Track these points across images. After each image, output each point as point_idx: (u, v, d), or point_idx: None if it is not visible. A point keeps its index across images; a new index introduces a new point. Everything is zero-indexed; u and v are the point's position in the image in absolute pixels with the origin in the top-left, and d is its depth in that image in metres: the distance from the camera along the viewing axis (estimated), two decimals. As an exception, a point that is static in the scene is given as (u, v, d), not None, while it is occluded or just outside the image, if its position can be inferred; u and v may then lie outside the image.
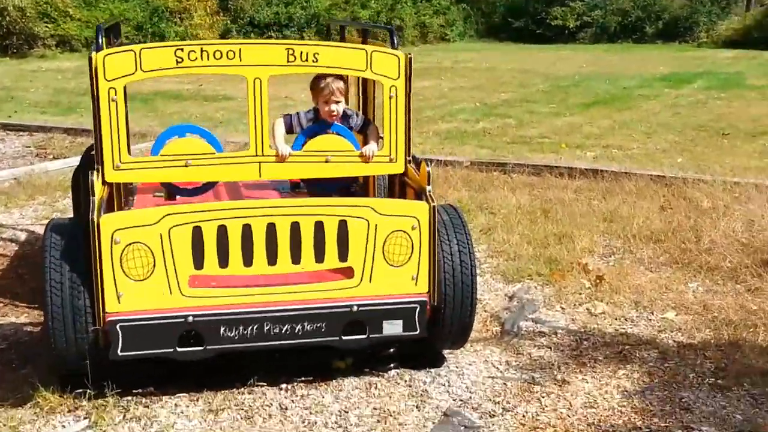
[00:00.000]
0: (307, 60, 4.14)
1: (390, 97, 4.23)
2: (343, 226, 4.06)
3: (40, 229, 6.97)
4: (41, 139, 11.55)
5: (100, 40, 4.13)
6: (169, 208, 3.97)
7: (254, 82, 4.06)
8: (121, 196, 4.60)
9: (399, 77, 4.23)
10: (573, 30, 35.91)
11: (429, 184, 4.20)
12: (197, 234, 3.92)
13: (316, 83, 4.70)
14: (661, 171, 8.73)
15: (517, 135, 11.71)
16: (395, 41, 4.36)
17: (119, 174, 4.05)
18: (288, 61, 4.12)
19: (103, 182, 4.03)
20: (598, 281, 5.66)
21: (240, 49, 4.04)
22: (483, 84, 18.51)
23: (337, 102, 4.72)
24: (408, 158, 4.38)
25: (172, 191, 4.76)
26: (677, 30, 35.91)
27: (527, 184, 8.56)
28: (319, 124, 4.68)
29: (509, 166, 9.08)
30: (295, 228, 4.02)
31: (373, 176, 5.29)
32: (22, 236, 7.00)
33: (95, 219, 3.79)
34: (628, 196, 7.88)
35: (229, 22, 31.40)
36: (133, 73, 3.98)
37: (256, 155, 4.15)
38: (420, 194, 4.23)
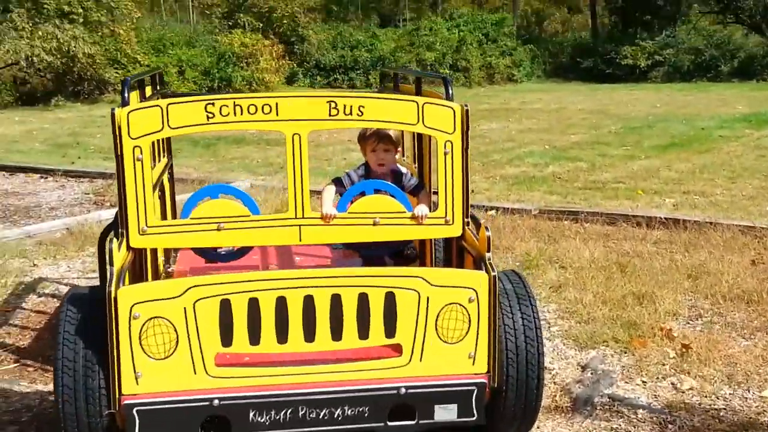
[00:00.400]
0: (351, 114, 3.70)
1: (445, 153, 3.76)
2: (390, 299, 3.58)
3: (85, 283, 6.67)
4: (101, 186, 11.35)
5: (126, 95, 3.79)
6: (193, 280, 3.54)
7: (293, 138, 3.65)
8: (157, 257, 4.20)
9: (455, 131, 3.76)
10: (644, 69, 35.05)
11: (489, 251, 3.68)
12: (226, 308, 3.48)
13: (363, 131, 4.37)
14: (749, 221, 8.02)
15: (589, 180, 11.09)
16: (450, 91, 3.91)
17: (145, 239, 3.67)
18: (330, 115, 3.69)
19: (128, 248, 3.69)
20: (684, 350, 5.02)
21: (277, 103, 3.63)
22: (552, 126, 17.91)
23: (387, 150, 4.30)
24: (466, 219, 3.88)
25: (206, 255, 4.34)
26: (754, 68, 34.74)
27: (601, 234, 7.94)
28: (366, 182, 4.24)
29: (581, 215, 8.48)
30: (335, 301, 3.55)
31: (430, 240, 4.81)
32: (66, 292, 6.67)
33: (113, 291, 3.38)
34: (715, 249, 7.20)
35: (295, 65, 31.53)
36: (160, 130, 3.63)
37: (296, 218, 3.71)
38: (479, 262, 3.70)
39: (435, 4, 51.03)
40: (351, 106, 3.68)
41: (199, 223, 3.72)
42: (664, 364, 4.90)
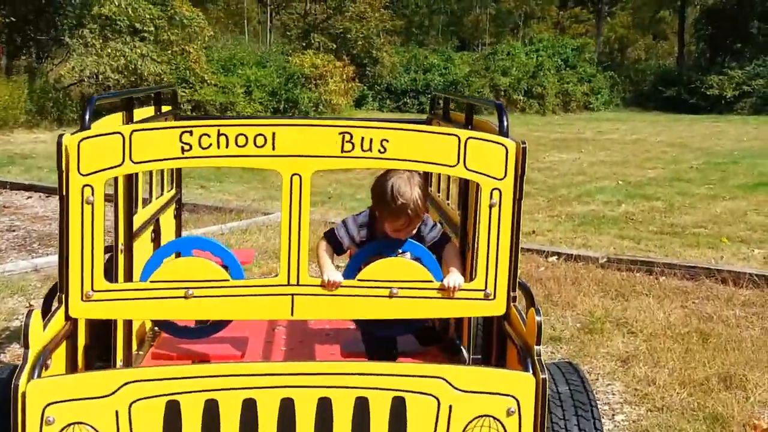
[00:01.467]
0: (370, 149, 2.81)
1: (491, 205, 2.84)
2: (398, 406, 2.66)
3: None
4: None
5: (86, 117, 2.95)
6: (130, 373, 2.66)
7: (291, 180, 2.78)
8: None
9: (505, 176, 2.85)
10: (730, 100, 33.30)
11: (539, 343, 2.71)
12: (173, 412, 2.58)
13: (390, 195, 3.25)
14: None
15: (666, 223, 9.93)
16: (505, 124, 2.98)
17: (89, 307, 2.87)
18: (343, 151, 2.81)
19: (67, 317, 2.88)
20: (784, 460, 3.93)
21: (273, 134, 2.77)
22: (628, 159, 16.70)
23: (409, 226, 3.34)
24: (512, 294, 2.92)
25: (170, 330, 3.47)
26: None
27: (679, 291, 6.82)
28: (381, 242, 3.31)
29: (656, 267, 7.36)
30: (323, 407, 2.63)
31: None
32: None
33: (21, 385, 2.53)
34: (816, 317, 6.04)
35: (365, 88, 30.84)
36: (120, 165, 2.80)
37: (288, 284, 2.82)
38: (524, 356, 2.73)
39: (516, 29, 50.01)
40: (371, 140, 2.80)
41: (162, 288, 2.87)
42: (758, 480, 3.82)
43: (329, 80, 27.52)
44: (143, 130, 2.77)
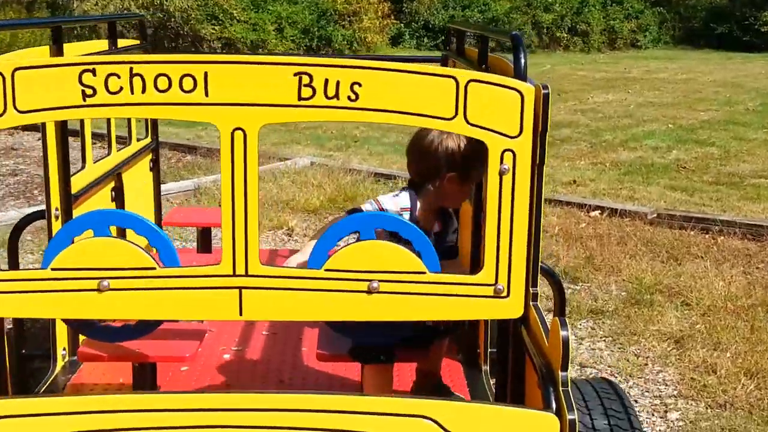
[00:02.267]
0: (336, 96, 2.04)
1: (501, 172, 2.06)
2: None
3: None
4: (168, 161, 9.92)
5: None
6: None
7: (233, 137, 2.02)
8: None
9: (520, 133, 2.06)
10: (786, 37, 31.58)
11: (566, 368, 1.96)
12: None
13: (447, 150, 2.69)
14: None
15: (722, 172, 9.01)
16: (522, 61, 2.18)
17: None
18: (300, 98, 2.03)
19: None
20: None
21: (206, 74, 2.00)
22: (678, 100, 15.60)
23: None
24: (533, 290, 2.17)
25: (85, 330, 2.76)
26: None
27: (741, 253, 5.99)
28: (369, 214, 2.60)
29: (714, 224, 6.51)
30: None
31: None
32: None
33: None
34: None
35: (402, 26, 29.71)
36: (1, 115, 2.03)
37: (234, 274, 2.09)
38: (546, 383, 1.99)
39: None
40: (338, 83, 2.03)
41: (66, 278, 2.14)
42: None
43: (363, 17, 26.39)
44: (30, 68, 2.02)
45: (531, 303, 2.16)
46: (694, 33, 33.88)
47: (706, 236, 6.37)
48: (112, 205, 3.56)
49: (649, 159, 9.71)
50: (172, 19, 22.24)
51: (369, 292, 2.11)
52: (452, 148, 2.69)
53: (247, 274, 2.07)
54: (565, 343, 1.91)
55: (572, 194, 7.68)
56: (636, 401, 3.85)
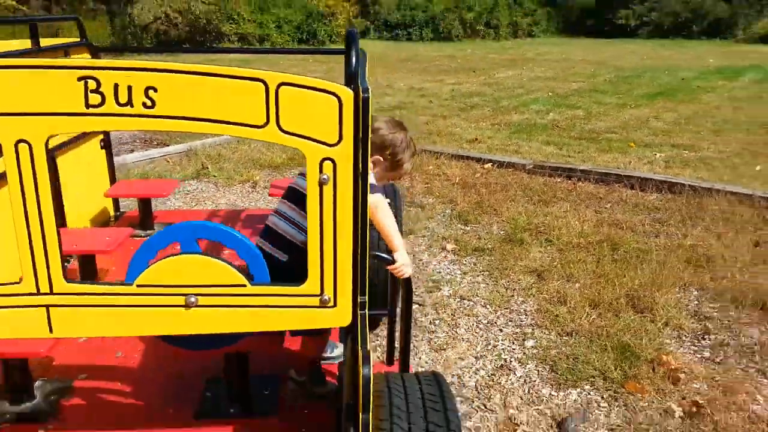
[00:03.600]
0: (130, 103, 1.24)
1: (321, 182, 1.33)
2: None
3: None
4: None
5: None
6: None
7: (17, 149, 1.27)
8: None
9: (340, 141, 1.30)
10: (633, 27, 30.42)
11: (367, 411, 1.26)
12: None
13: (389, 138, 2.07)
14: (746, 188, 5.26)
15: (584, 129, 8.26)
16: (353, 61, 1.39)
17: None
18: (88, 106, 1.24)
19: None
20: (693, 409, 2.56)
21: None
22: (557, 74, 14.69)
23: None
24: (361, 298, 1.45)
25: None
26: (719, 28, 29.75)
27: (593, 196, 5.31)
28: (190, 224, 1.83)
29: (574, 173, 5.82)
30: None
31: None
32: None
33: None
34: (713, 224, 4.55)
35: (368, 23, 28.17)
36: None
37: (38, 293, 1.33)
38: (347, 418, 1.30)
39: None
40: (130, 88, 1.25)
41: (152, 294, 1.43)
42: (668, 432, 2.45)
43: (339, 17, 24.90)
44: None
45: (359, 312, 1.45)
46: (572, 25, 32.64)
47: (569, 182, 5.68)
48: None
49: (533, 120, 8.93)
50: (199, 20, 20.74)
51: (187, 306, 1.39)
52: (391, 137, 2.00)
53: (52, 292, 1.34)
54: (365, 382, 1.20)
55: (472, 149, 6.92)
56: (501, 330, 3.21)
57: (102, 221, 3.14)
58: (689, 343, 3.07)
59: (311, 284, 1.40)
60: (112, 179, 3.30)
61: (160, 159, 6.19)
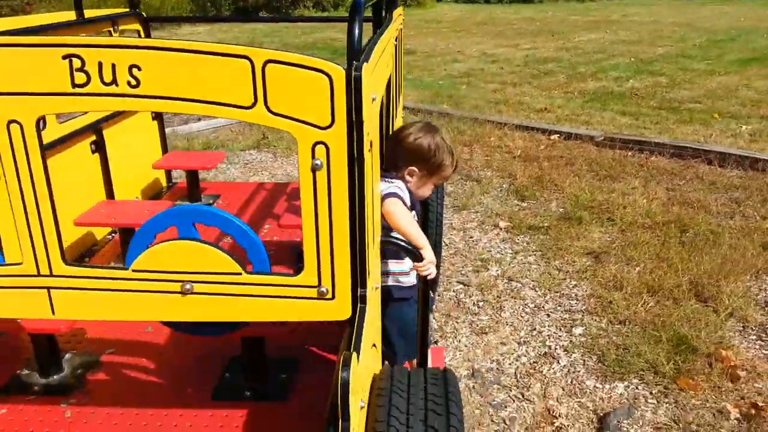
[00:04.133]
0: (115, 82, 1.20)
1: (314, 169, 1.24)
2: None
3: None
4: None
5: None
6: None
7: (9, 130, 1.27)
8: None
9: (332, 124, 1.21)
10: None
11: (347, 418, 1.19)
12: None
13: (429, 147, 1.93)
14: (844, 165, 4.75)
15: (665, 98, 7.72)
16: (357, 33, 1.28)
17: None
18: (74, 85, 1.22)
19: None
20: (751, 411, 2.35)
21: None
22: (643, 38, 13.78)
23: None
24: (361, 291, 1.39)
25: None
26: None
27: (666, 171, 4.97)
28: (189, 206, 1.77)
29: (648, 145, 5.45)
30: None
31: None
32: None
33: None
34: (799, 205, 4.15)
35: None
36: None
37: (39, 274, 1.36)
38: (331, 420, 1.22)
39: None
40: (114, 67, 1.22)
41: (148, 279, 1.46)
42: (719, 435, 2.27)
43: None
44: None
45: (359, 305, 1.39)
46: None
47: (641, 156, 5.33)
48: (93, 157, 2.79)
49: (610, 88, 8.42)
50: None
51: (183, 293, 1.37)
52: (419, 144, 1.89)
53: (52, 274, 1.36)
54: (343, 385, 1.14)
55: (540, 120, 6.62)
56: (548, 315, 3.07)
57: (154, 193, 3.22)
58: (755, 338, 2.83)
59: (308, 275, 1.35)
60: (164, 150, 3.36)
61: (225, 128, 6.31)
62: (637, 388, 2.53)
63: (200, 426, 1.70)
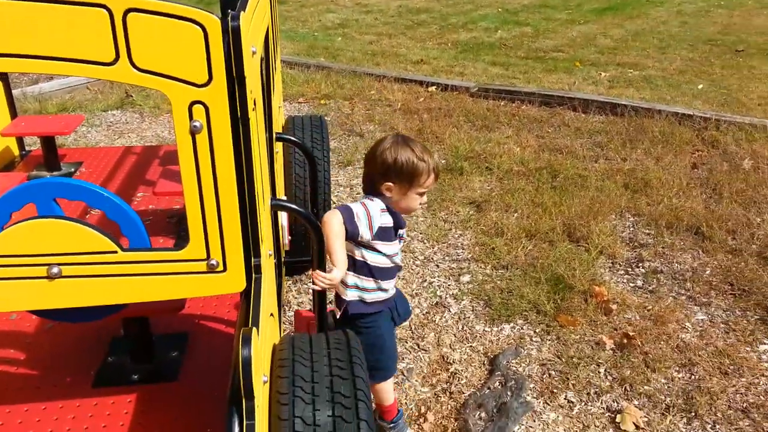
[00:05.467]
0: None
1: (193, 132, 1.10)
2: None
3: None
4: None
5: None
6: None
7: None
8: None
9: (210, 81, 1.07)
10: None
11: (250, 397, 1.11)
12: None
13: (410, 162, 1.82)
14: (686, 108, 5.22)
15: (532, 47, 8.03)
16: None
17: None
18: None
19: None
20: (624, 341, 2.56)
21: None
22: (508, -12, 14.18)
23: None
24: (255, 260, 1.29)
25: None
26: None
27: (536, 119, 5.19)
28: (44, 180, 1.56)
29: (519, 96, 5.66)
30: None
31: None
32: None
33: None
34: (653, 146, 4.52)
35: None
36: None
37: None
38: (231, 401, 1.14)
39: None
40: None
41: (9, 265, 1.21)
42: (598, 366, 2.45)
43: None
44: None
45: (254, 275, 1.30)
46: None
47: (513, 105, 5.53)
48: None
49: (480, 38, 8.62)
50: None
51: (49, 278, 1.21)
52: (385, 158, 1.80)
53: None
54: (245, 363, 1.07)
55: (417, 72, 6.65)
56: (437, 266, 3.14)
57: (4, 164, 2.85)
58: (623, 272, 3.07)
59: (195, 248, 1.24)
60: (13, 115, 2.98)
61: (81, 87, 5.73)
62: (522, 328, 2.67)
63: (84, 417, 1.55)
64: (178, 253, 1.25)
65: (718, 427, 2.15)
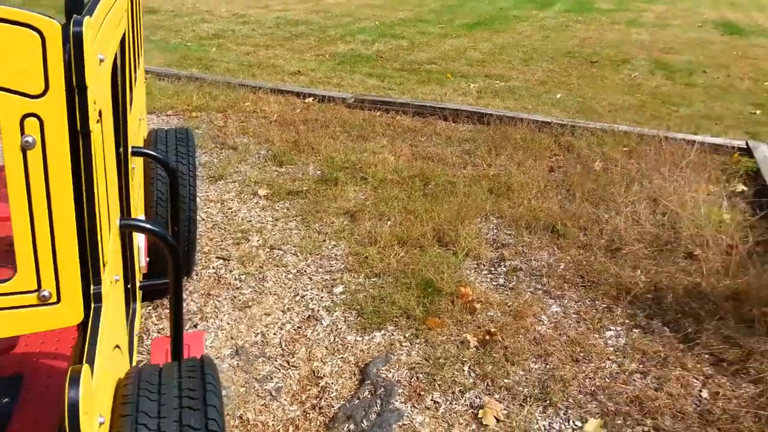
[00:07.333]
0: None
1: (24, 148, 0.99)
2: None
3: None
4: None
5: None
6: None
7: None
8: None
9: (46, 91, 0.97)
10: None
11: None
12: None
13: None
14: (545, 116, 5.57)
15: (407, 60, 8.25)
16: None
17: None
18: None
19: None
20: (486, 338, 2.67)
21: None
22: (386, 3, 14.47)
23: None
24: (95, 288, 1.19)
25: None
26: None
27: (410, 129, 5.32)
28: None
29: (394, 106, 5.78)
30: None
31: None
32: None
33: None
34: (515, 152, 4.77)
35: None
36: None
37: None
38: None
39: None
40: None
41: None
42: (463, 364, 2.53)
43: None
44: None
45: (93, 305, 1.21)
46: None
47: (388, 116, 5.64)
48: None
49: (358, 51, 8.74)
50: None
51: None
52: None
53: None
54: (71, 405, 0.98)
55: (294, 83, 6.61)
56: (310, 278, 3.11)
57: None
58: (486, 272, 3.20)
59: (24, 278, 1.12)
60: None
61: None
62: (392, 334, 2.70)
63: None
64: (5, 285, 1.12)
65: (570, 411, 2.29)
